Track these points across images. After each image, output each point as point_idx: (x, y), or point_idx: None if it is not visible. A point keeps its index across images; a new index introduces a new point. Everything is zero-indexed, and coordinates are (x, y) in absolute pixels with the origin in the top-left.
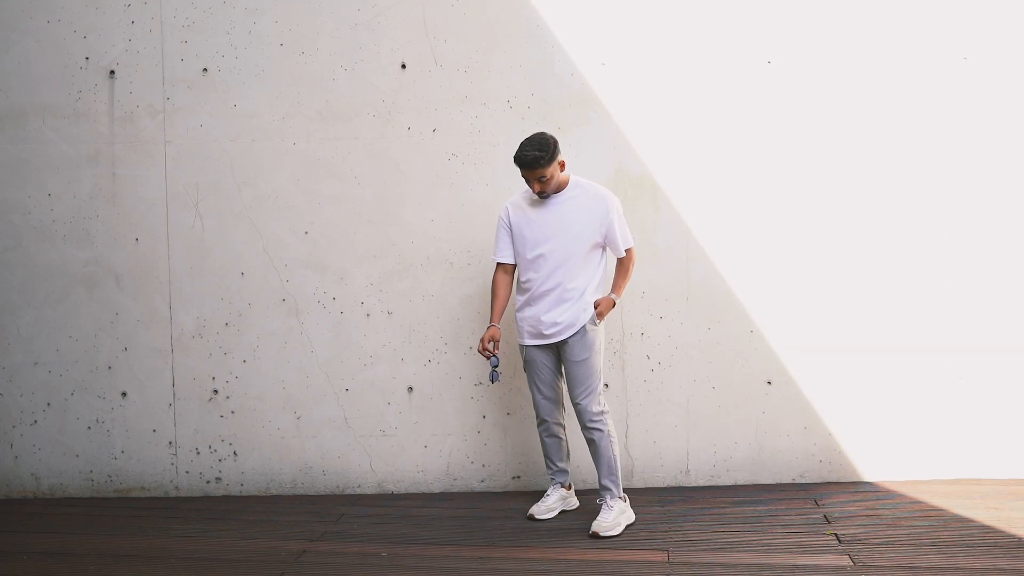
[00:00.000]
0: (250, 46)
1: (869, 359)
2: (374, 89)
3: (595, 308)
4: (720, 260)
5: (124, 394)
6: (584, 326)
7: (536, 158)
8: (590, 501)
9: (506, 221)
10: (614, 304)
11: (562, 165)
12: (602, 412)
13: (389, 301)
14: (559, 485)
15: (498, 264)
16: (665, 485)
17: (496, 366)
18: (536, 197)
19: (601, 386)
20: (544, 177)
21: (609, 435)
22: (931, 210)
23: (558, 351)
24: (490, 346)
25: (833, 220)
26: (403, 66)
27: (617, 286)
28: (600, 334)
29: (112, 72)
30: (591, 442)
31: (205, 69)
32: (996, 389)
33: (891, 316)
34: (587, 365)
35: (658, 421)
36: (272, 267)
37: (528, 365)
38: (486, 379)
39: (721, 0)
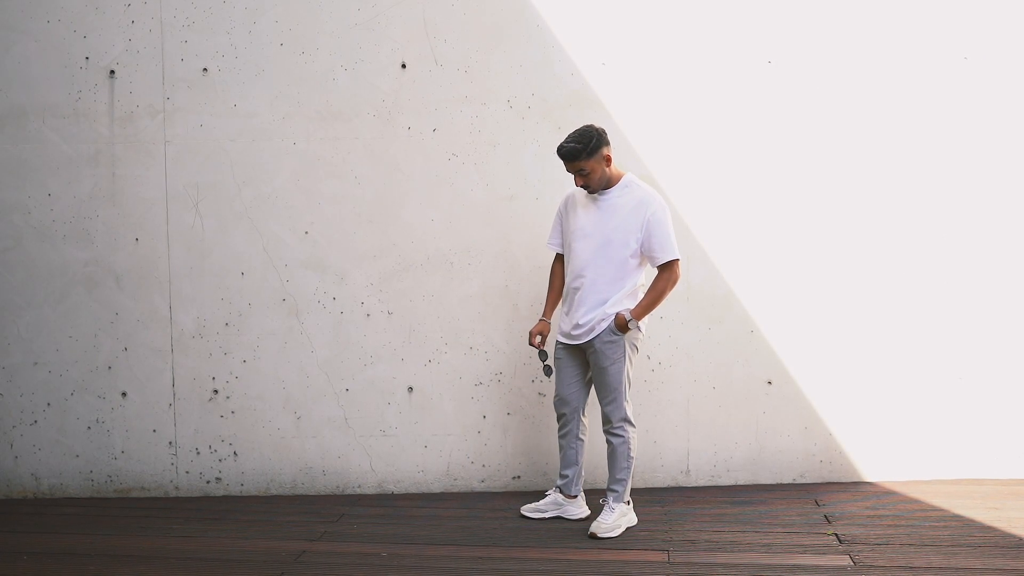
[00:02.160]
0: (250, 46)
1: (869, 359)
2: (374, 89)
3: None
4: (720, 260)
5: (124, 394)
6: (602, 334)
7: (573, 150)
8: (593, 501)
9: (561, 209)
10: (626, 323)
11: (608, 160)
12: (624, 420)
13: (389, 301)
14: (557, 489)
15: (555, 254)
16: (665, 485)
17: (545, 360)
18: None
19: (627, 394)
20: (584, 171)
21: (628, 442)
22: (931, 210)
23: (585, 354)
24: (536, 340)
25: (833, 220)
26: (403, 66)
27: (639, 304)
28: (626, 346)
29: (112, 72)
30: (609, 444)
31: (205, 69)
32: (996, 389)
33: (891, 316)
34: (609, 374)
35: (658, 421)
36: (272, 267)
37: (555, 361)
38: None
39: (721, 0)
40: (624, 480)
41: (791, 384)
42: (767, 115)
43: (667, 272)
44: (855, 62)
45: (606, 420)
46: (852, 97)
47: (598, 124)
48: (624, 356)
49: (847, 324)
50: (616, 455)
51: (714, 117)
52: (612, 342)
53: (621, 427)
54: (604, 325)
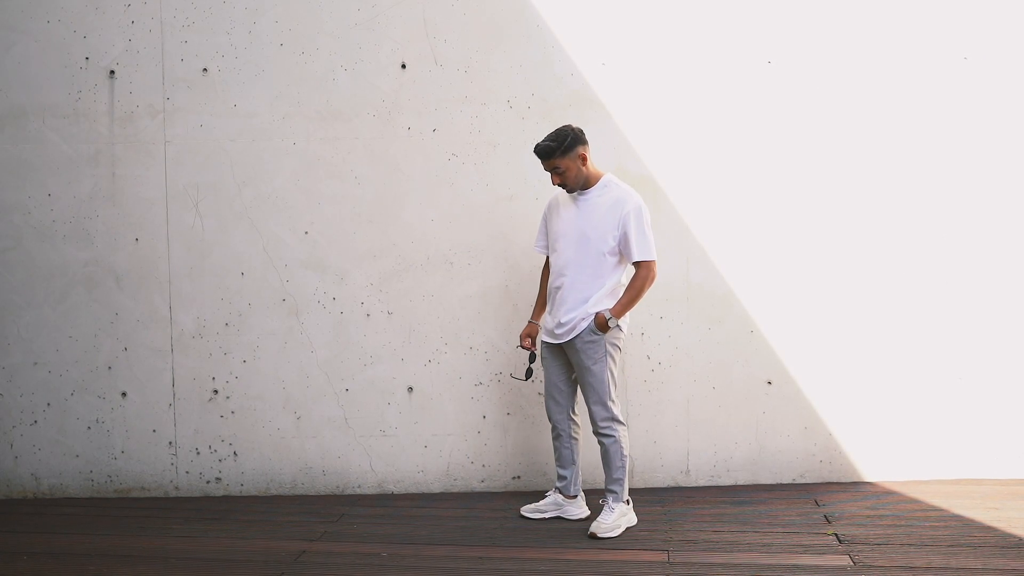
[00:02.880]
0: (250, 46)
1: (869, 359)
2: (374, 89)
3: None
4: (720, 260)
5: (124, 394)
6: (583, 333)
7: (547, 148)
8: (593, 501)
9: (545, 212)
10: (606, 322)
11: (584, 159)
12: (611, 419)
13: (389, 301)
14: (556, 490)
15: (545, 257)
16: (665, 485)
17: (532, 362)
18: (576, 191)
19: (613, 394)
20: (559, 169)
21: (618, 442)
22: (931, 210)
23: (567, 354)
24: (527, 343)
25: (833, 220)
26: (403, 66)
27: (619, 302)
28: (607, 345)
29: (112, 72)
30: (601, 445)
31: (205, 69)
32: (996, 389)
33: (891, 316)
34: (591, 374)
35: (658, 421)
36: (272, 267)
37: (542, 360)
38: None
39: (721, 0)
40: (621, 480)
41: (791, 384)
42: (767, 115)
43: (643, 270)
44: (855, 62)
45: (593, 421)
46: (852, 97)
47: (598, 124)
48: (605, 355)
49: (847, 324)
50: (609, 455)
51: (714, 117)
52: (593, 342)
53: (609, 427)
54: (585, 324)
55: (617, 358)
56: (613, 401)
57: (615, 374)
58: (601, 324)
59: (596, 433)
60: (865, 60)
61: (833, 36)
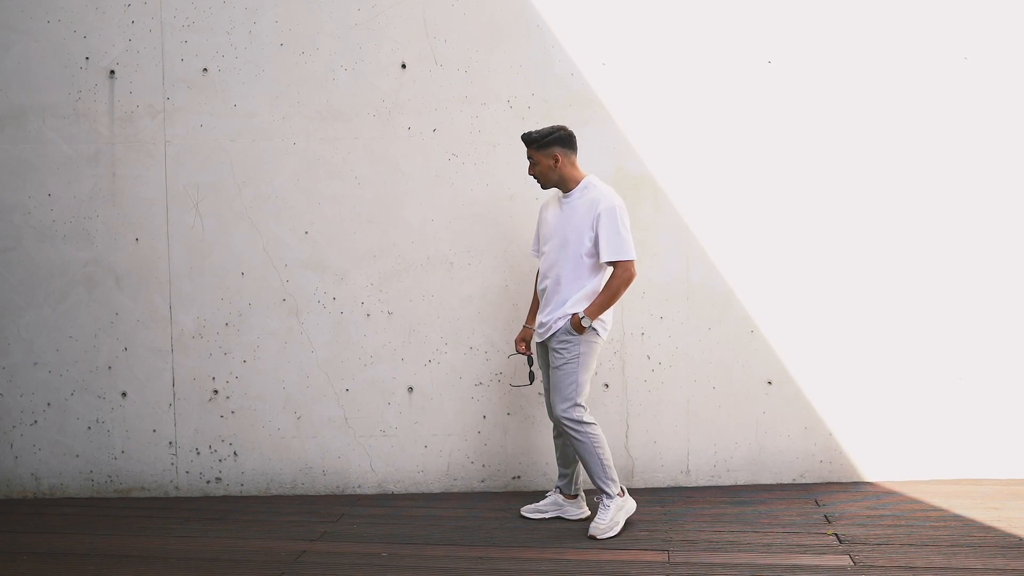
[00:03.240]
0: (250, 46)
1: (869, 359)
2: (374, 89)
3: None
4: (720, 260)
5: (124, 394)
6: (558, 333)
7: (527, 136)
8: (593, 501)
9: (538, 216)
10: (580, 323)
11: (556, 160)
12: (577, 421)
13: (389, 301)
14: (557, 490)
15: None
16: (665, 485)
17: (531, 365)
18: (560, 195)
19: (581, 398)
20: (532, 159)
21: (586, 444)
22: (931, 210)
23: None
24: (522, 347)
25: (833, 220)
26: (403, 66)
27: (593, 303)
28: (580, 346)
29: (112, 72)
30: (574, 449)
31: (205, 69)
32: (996, 389)
33: (891, 316)
34: (560, 374)
35: (658, 421)
36: (272, 267)
37: (539, 361)
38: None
39: (721, 0)
40: (604, 478)
41: (791, 384)
42: (767, 115)
43: (619, 270)
44: (855, 62)
45: (560, 422)
46: (852, 97)
47: (598, 124)
48: (577, 358)
49: (847, 324)
50: (582, 458)
51: (714, 117)
52: (567, 342)
53: (575, 428)
54: (561, 324)
55: (592, 363)
56: (581, 405)
57: (587, 378)
58: (576, 325)
59: (564, 434)
60: (865, 60)
61: (833, 36)
